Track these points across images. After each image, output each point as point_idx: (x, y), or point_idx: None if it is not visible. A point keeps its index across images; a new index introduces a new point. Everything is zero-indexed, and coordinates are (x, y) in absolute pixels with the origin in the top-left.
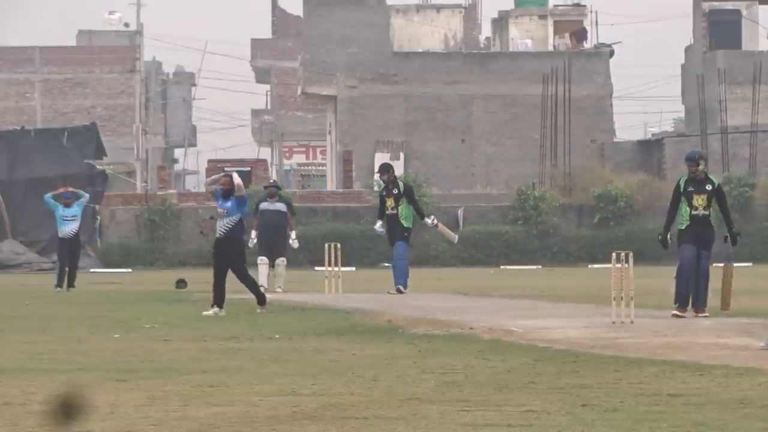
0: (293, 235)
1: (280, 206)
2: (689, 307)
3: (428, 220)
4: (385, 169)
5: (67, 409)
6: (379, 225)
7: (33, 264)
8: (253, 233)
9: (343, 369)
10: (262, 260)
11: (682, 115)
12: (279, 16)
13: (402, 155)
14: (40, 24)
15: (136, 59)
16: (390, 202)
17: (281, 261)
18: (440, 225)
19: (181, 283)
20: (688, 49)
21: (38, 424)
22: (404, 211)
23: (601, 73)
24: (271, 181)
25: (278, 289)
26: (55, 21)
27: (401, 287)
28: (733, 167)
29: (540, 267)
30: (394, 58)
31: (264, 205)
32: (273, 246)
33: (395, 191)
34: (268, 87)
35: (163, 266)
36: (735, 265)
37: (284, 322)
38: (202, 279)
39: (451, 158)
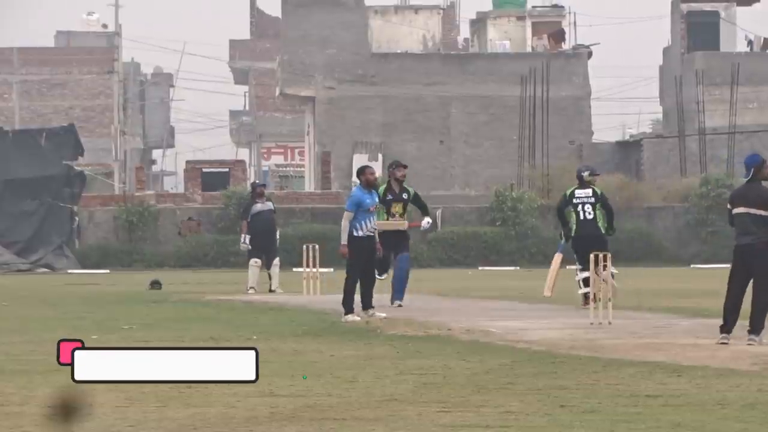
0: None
1: (270, 205)
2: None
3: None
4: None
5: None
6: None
7: (11, 265)
8: (246, 237)
9: (322, 370)
10: (257, 262)
11: (660, 116)
12: (257, 17)
13: (380, 156)
14: (18, 25)
15: (115, 60)
16: (397, 208)
17: (278, 261)
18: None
19: (155, 285)
20: (666, 51)
21: (15, 425)
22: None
23: (580, 74)
24: (256, 180)
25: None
26: (33, 22)
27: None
28: (711, 168)
29: (518, 268)
30: (373, 59)
31: (257, 207)
32: (268, 247)
33: (405, 195)
34: (246, 88)
35: (141, 267)
36: (715, 266)
37: (262, 323)
38: (179, 280)
39: (429, 159)
